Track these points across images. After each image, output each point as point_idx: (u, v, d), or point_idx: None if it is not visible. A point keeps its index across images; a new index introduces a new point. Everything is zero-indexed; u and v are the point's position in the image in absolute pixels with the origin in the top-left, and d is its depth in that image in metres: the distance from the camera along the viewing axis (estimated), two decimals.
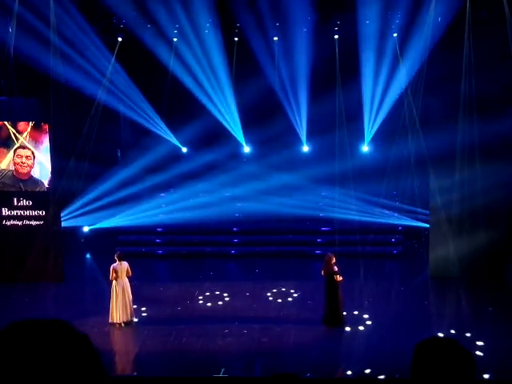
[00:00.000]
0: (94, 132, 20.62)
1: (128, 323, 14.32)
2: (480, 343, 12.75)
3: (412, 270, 18.33)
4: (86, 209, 20.68)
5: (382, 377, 11.53)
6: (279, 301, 15.94)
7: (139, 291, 15.51)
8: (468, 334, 13.10)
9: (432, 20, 19.24)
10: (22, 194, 17.43)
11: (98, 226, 20.80)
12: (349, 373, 11.93)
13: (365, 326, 14.16)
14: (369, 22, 20.54)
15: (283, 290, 16.60)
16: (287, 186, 22.05)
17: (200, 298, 16.15)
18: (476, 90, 18.28)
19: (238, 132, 23.83)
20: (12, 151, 17.24)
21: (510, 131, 16.88)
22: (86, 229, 20.94)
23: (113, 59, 21.20)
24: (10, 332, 1.44)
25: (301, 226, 20.86)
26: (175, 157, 23.75)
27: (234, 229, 20.94)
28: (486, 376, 11.26)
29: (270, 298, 16.12)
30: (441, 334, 12.70)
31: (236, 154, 24.24)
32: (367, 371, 11.82)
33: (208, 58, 22.06)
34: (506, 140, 16.96)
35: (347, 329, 13.95)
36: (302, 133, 23.67)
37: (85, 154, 20.32)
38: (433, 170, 17.39)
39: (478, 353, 12.20)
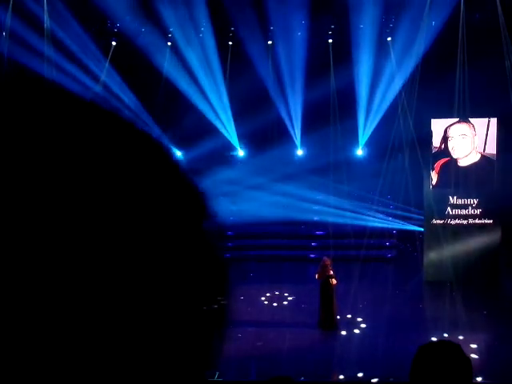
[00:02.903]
0: None
1: None
2: (474, 346, 12.76)
3: (406, 273, 18.33)
4: None
5: (375, 380, 11.52)
6: (274, 304, 15.92)
7: None
8: (462, 338, 13.10)
9: (426, 24, 19.30)
10: None
11: None
12: (343, 376, 11.93)
13: (359, 329, 14.15)
14: (363, 26, 20.60)
15: (278, 293, 16.59)
16: (282, 189, 22.08)
17: None
18: (470, 92, 18.35)
19: (232, 135, 23.84)
20: None
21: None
22: None
23: (107, 63, 21.20)
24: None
25: (295, 230, 20.85)
26: None
27: (229, 233, 20.91)
28: (480, 379, 11.26)
29: (265, 302, 16.10)
30: (435, 338, 12.69)
31: (230, 157, 24.27)
32: (361, 375, 11.81)
33: (202, 61, 22.09)
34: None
35: (342, 332, 13.94)
36: (297, 137, 23.70)
37: None
38: (427, 175, 17.42)
39: (472, 356, 12.21)
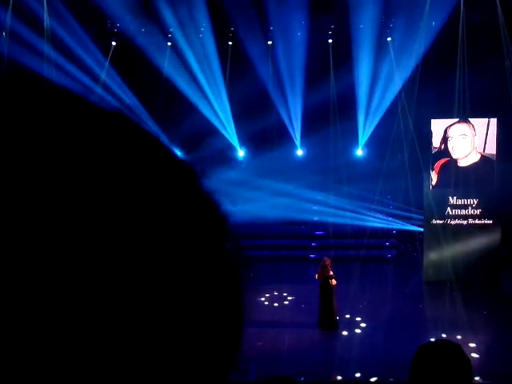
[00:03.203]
0: None
1: None
2: (473, 346, 12.76)
3: (406, 273, 18.34)
4: None
5: (374, 379, 11.52)
6: (274, 304, 15.92)
7: None
8: (462, 338, 13.10)
9: (426, 24, 19.30)
10: None
11: None
12: (342, 377, 11.92)
13: (359, 329, 14.16)
14: (363, 27, 20.60)
15: (278, 293, 16.59)
16: (281, 189, 22.06)
17: None
18: (470, 92, 18.35)
19: (232, 136, 23.84)
20: None
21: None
22: None
23: (107, 63, 21.21)
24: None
25: (295, 230, 20.85)
26: None
27: None
28: (480, 379, 11.26)
29: (265, 302, 16.10)
30: (435, 338, 12.69)
31: (230, 158, 24.25)
32: (361, 375, 11.81)
33: (202, 61, 22.10)
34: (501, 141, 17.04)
35: (342, 332, 13.94)
36: (297, 137, 23.70)
37: None
38: (427, 175, 17.43)
39: (471, 356, 12.20)
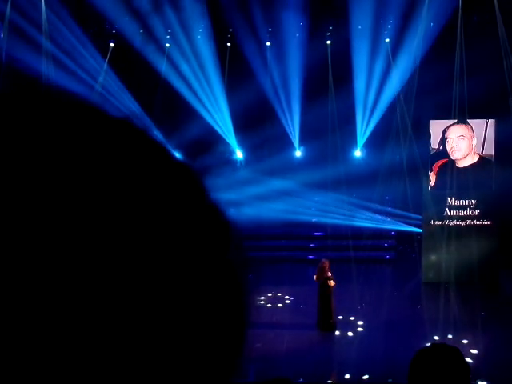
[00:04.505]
0: None
1: None
2: (472, 348, 12.76)
3: (404, 274, 18.33)
4: None
5: (373, 380, 11.52)
6: (272, 305, 15.91)
7: None
8: (460, 340, 13.11)
9: (424, 25, 19.32)
10: None
11: None
12: (341, 377, 11.93)
13: (358, 330, 14.16)
14: (361, 28, 20.62)
15: (276, 294, 16.58)
16: (280, 190, 22.06)
17: None
18: (468, 93, 18.37)
19: (230, 137, 23.83)
20: None
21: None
22: None
23: (105, 64, 21.20)
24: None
25: (294, 232, 20.84)
26: None
27: None
28: (478, 382, 11.26)
29: (264, 303, 16.08)
30: (433, 340, 12.70)
31: (229, 159, 24.24)
32: (360, 376, 11.81)
33: (200, 63, 22.10)
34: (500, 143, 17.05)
35: (340, 334, 13.94)
36: (295, 138, 23.70)
37: None
38: (425, 177, 17.45)
39: (470, 353, 12.20)
